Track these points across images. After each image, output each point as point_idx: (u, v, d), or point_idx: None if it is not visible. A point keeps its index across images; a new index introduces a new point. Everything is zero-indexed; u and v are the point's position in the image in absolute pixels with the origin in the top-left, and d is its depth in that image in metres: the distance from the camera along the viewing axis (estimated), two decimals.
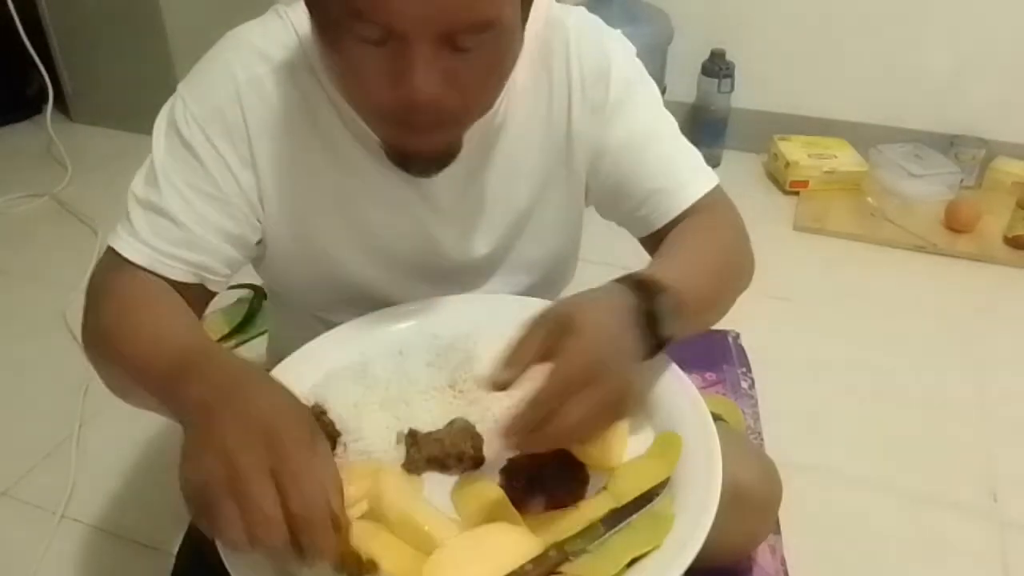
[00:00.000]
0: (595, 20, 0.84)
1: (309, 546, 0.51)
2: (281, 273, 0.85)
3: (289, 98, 0.75)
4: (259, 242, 0.81)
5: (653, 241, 0.86)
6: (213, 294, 0.79)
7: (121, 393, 0.72)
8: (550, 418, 0.57)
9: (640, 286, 0.66)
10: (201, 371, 0.59)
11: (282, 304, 0.95)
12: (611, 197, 0.87)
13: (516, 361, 0.59)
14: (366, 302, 0.85)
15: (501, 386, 0.59)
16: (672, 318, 0.66)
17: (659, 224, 0.84)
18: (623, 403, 0.62)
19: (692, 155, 0.86)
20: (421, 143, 0.71)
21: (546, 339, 0.60)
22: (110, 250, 0.75)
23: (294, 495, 0.51)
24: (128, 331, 0.69)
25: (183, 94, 0.75)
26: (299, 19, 0.75)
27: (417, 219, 0.82)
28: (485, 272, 0.88)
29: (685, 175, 0.84)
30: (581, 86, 0.81)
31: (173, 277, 0.74)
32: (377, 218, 0.81)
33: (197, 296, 0.76)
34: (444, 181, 0.79)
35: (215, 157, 0.74)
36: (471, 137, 0.76)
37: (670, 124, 0.86)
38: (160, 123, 0.76)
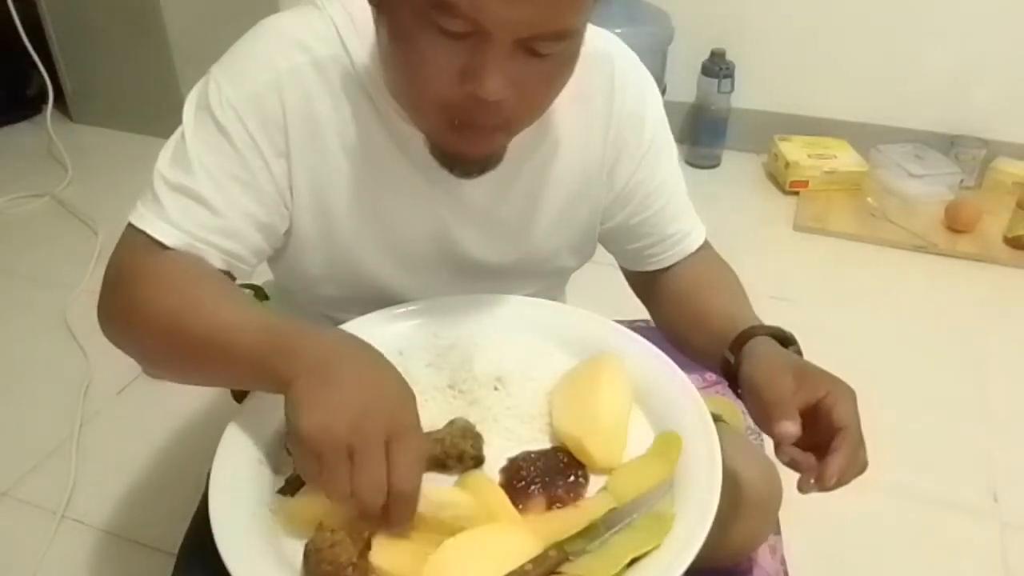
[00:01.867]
0: (636, 58, 0.86)
1: (397, 515, 0.58)
2: (299, 266, 0.84)
3: (326, 90, 0.75)
4: (286, 232, 0.80)
5: (647, 275, 0.92)
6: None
7: (160, 367, 0.73)
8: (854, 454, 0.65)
9: (781, 340, 0.75)
10: (307, 335, 0.63)
11: (291, 302, 0.95)
12: (626, 233, 0.90)
13: (793, 413, 0.66)
14: (380, 300, 0.85)
15: (794, 437, 0.65)
16: None
17: (669, 263, 0.90)
18: None
19: (688, 199, 0.92)
20: (473, 145, 0.71)
21: (802, 395, 0.67)
22: (134, 230, 0.72)
23: (402, 468, 0.57)
24: (184, 305, 0.68)
25: (218, 78, 0.74)
26: (337, 12, 0.75)
27: (441, 220, 0.82)
28: (500, 278, 0.89)
29: (693, 221, 0.91)
30: (619, 125, 0.83)
31: (210, 261, 0.73)
32: (402, 217, 0.81)
33: None
34: (474, 187, 0.79)
35: (250, 144, 0.73)
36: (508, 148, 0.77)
37: (680, 170, 0.91)
38: (191, 105, 0.75)
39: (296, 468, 0.61)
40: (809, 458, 0.65)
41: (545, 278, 0.94)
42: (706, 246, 0.92)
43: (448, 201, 0.81)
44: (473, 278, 0.87)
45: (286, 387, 0.59)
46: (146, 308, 0.69)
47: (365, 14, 0.72)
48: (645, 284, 0.93)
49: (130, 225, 0.73)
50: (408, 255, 0.84)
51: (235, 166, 0.73)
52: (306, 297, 0.90)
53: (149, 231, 0.71)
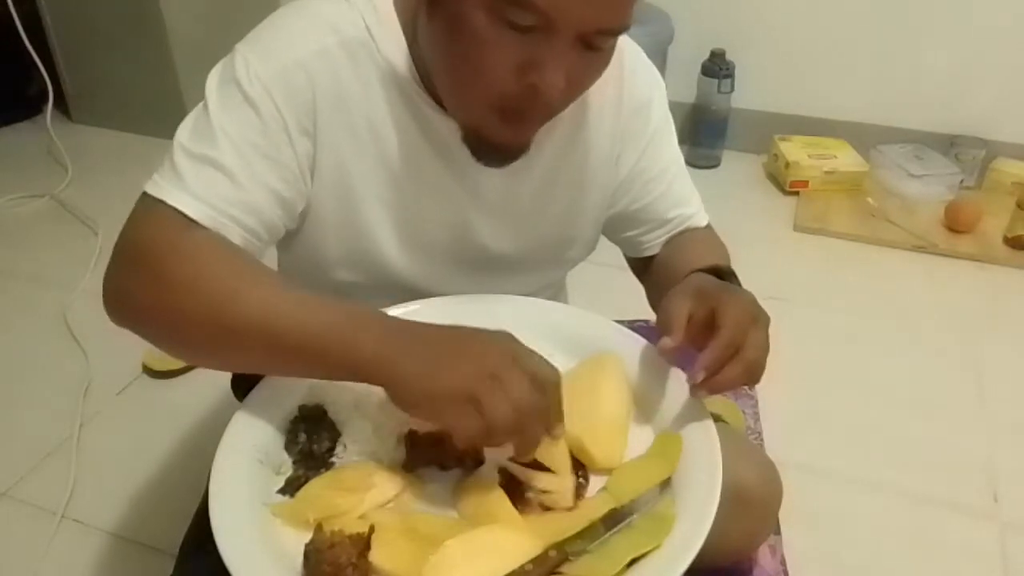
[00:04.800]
0: (640, 49, 0.88)
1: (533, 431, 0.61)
2: (316, 248, 0.83)
3: (355, 73, 0.75)
4: (301, 213, 0.79)
5: (645, 261, 0.94)
6: None
7: (190, 350, 0.70)
8: (735, 356, 0.66)
9: (713, 272, 0.77)
10: (385, 320, 0.66)
11: None
12: (628, 219, 0.92)
13: (677, 326, 0.68)
14: (393, 287, 0.85)
15: (672, 350, 0.68)
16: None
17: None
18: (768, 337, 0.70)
19: (692, 185, 0.95)
20: (519, 133, 0.73)
21: (693, 308, 0.69)
22: (152, 201, 0.68)
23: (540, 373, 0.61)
24: (239, 287, 0.65)
25: (245, 53, 0.73)
26: (361, 2, 0.75)
27: (459, 208, 0.83)
28: (512, 269, 0.90)
29: (695, 206, 0.94)
30: (628, 113, 0.86)
31: (230, 238, 0.70)
32: (422, 204, 0.82)
33: None
34: (492, 176, 0.80)
35: (276, 119, 0.72)
36: None
37: (681, 157, 0.93)
38: (214, 79, 0.73)
39: (453, 429, 0.61)
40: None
41: (550, 270, 0.95)
42: (706, 229, 0.94)
43: (467, 190, 0.82)
44: (485, 268, 0.88)
45: (383, 363, 0.62)
46: (188, 289, 0.65)
47: (387, 6, 0.74)
48: (644, 266, 0.96)
49: (146, 196, 0.69)
50: (425, 242, 0.84)
51: (260, 138, 0.71)
52: (316, 283, 0.89)
53: (169, 201, 0.67)
